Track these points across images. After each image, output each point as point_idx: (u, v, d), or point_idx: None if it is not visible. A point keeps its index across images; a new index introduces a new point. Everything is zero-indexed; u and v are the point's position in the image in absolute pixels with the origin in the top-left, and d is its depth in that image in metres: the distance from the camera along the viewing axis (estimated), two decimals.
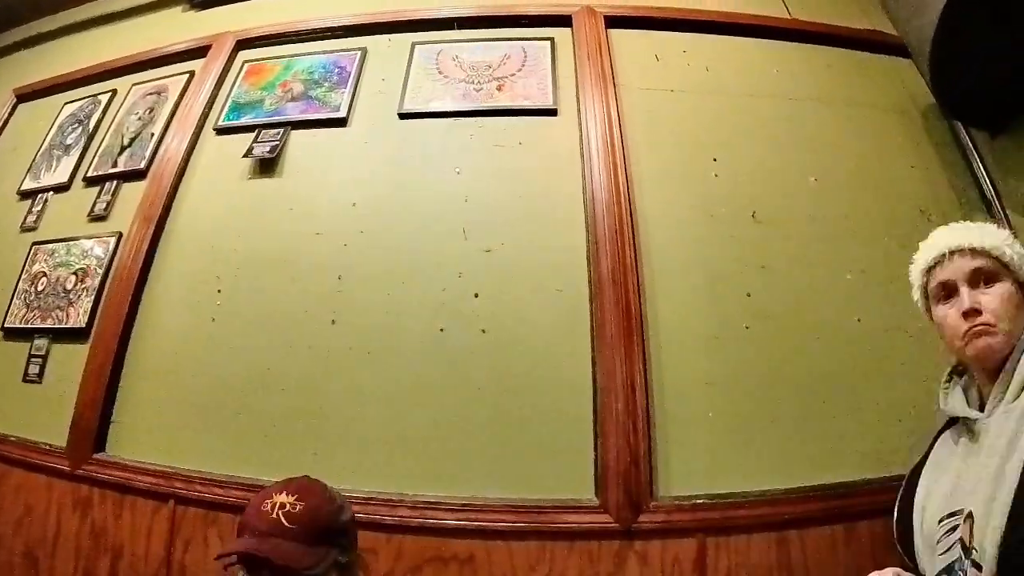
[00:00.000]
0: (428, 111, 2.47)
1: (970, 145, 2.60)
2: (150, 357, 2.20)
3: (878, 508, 1.78)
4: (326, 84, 2.62)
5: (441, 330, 2.04)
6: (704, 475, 1.86)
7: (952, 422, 1.31)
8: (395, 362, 2.02)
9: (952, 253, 1.27)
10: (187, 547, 1.88)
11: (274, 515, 1.21)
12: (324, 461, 1.91)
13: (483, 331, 2.04)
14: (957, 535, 1.11)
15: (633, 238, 2.13)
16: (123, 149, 2.68)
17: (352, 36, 2.80)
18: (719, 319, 2.09)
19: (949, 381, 1.37)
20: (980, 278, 1.24)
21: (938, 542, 1.15)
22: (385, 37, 2.77)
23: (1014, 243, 1.25)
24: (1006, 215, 2.40)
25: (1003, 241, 1.25)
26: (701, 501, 1.80)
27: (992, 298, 1.21)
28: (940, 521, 1.17)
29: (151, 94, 2.86)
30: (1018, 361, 1.14)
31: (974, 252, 1.25)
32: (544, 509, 1.77)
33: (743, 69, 2.69)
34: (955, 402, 1.31)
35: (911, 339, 2.13)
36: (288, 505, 1.22)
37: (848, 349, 2.10)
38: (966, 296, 1.23)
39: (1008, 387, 1.14)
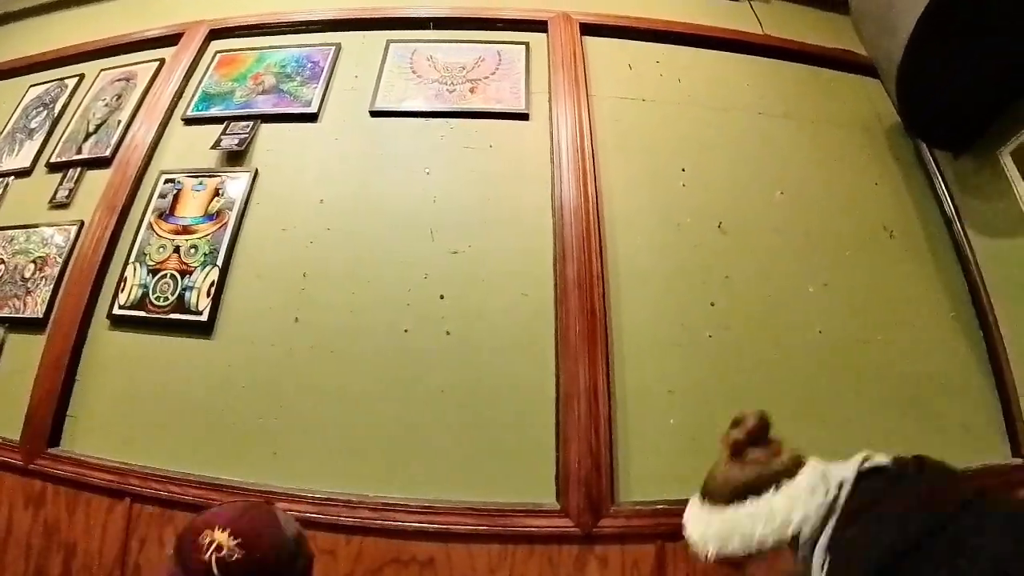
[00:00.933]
0: (400, 110, 2.46)
1: (933, 165, 2.67)
2: (108, 350, 2.14)
3: None
4: (298, 78, 2.59)
5: (405, 331, 2.03)
6: (664, 481, 1.87)
7: None
8: (358, 362, 2.00)
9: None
10: (142, 546, 1.83)
11: (206, 557, 1.04)
12: (284, 460, 1.88)
13: (448, 333, 2.03)
14: None
15: (600, 245, 2.15)
16: (88, 135, 2.62)
17: (327, 31, 2.78)
18: (683, 327, 2.11)
19: None
20: (729, 565, 1.21)
21: None
22: (360, 34, 2.75)
23: (735, 528, 1.17)
24: (966, 234, 2.48)
25: (721, 541, 1.19)
26: (661, 507, 1.81)
27: None
28: None
29: (120, 80, 2.81)
30: None
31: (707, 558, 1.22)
32: (505, 512, 1.77)
33: (715, 82, 2.73)
34: None
35: (872, 352, 2.19)
36: (226, 550, 1.05)
37: (809, 360, 2.14)
38: None
39: None
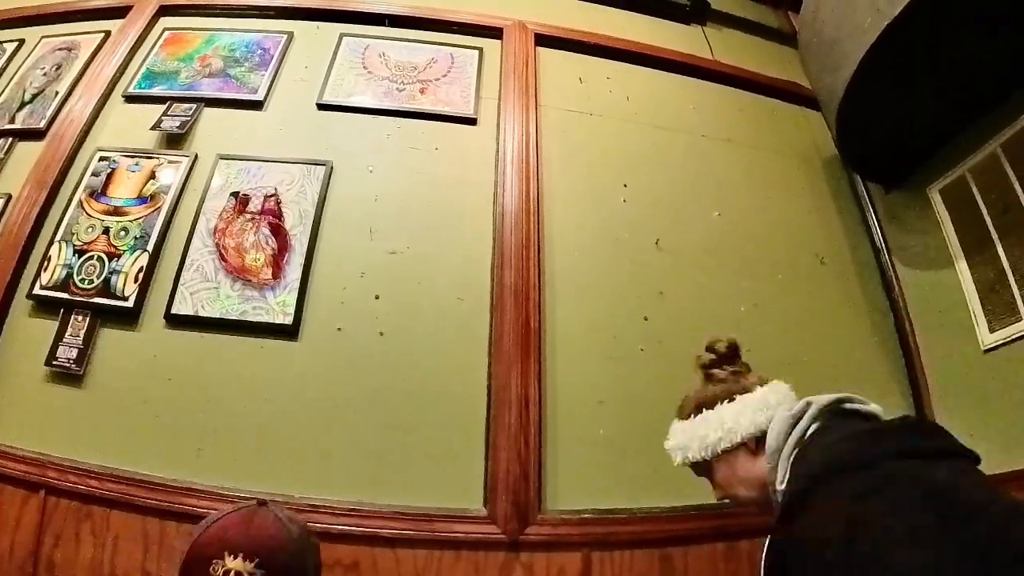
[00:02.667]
0: (348, 105, 2.44)
1: (866, 197, 2.78)
2: (28, 333, 2.00)
3: (758, 528, 1.89)
4: (247, 64, 2.54)
5: (338, 329, 2.00)
6: (592, 491, 1.89)
7: None
8: (288, 358, 1.95)
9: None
10: (57, 542, 1.70)
11: None
12: (208, 457, 1.81)
13: (381, 334, 2.01)
14: None
15: (538, 254, 2.17)
16: (23, 104, 2.51)
17: (281, 18, 2.74)
18: (615, 340, 2.15)
19: None
20: (703, 474, 1.33)
21: None
22: (314, 24, 2.72)
23: (693, 436, 1.28)
24: (892, 265, 2.58)
25: (684, 449, 1.30)
26: (587, 516, 1.83)
27: (719, 488, 1.30)
28: None
29: (61, 49, 2.70)
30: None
31: (684, 465, 1.33)
32: (433, 517, 1.75)
33: (662, 102, 2.79)
34: None
35: (798, 371, 2.23)
36: (247, 575, 0.99)
37: None
38: (712, 492, 1.33)
39: None
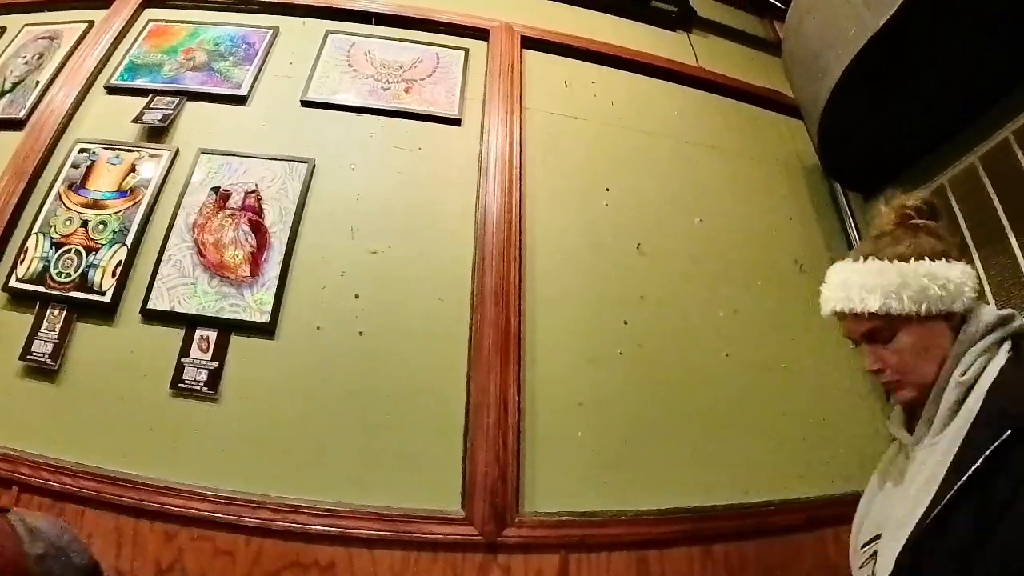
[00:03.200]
0: (332, 102, 2.43)
1: (845, 205, 2.82)
2: (3, 325, 1.96)
3: (734, 531, 1.93)
4: (231, 58, 2.52)
5: (318, 328, 1.99)
6: (569, 493, 1.90)
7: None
8: (266, 356, 1.93)
9: (842, 314, 1.22)
10: None
11: None
12: (183, 454, 1.79)
13: (360, 333, 2.00)
14: (872, 561, 1.12)
15: (520, 256, 2.17)
16: (3, 94, 2.47)
17: (267, 13, 2.71)
18: (595, 343, 2.15)
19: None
20: (877, 337, 1.18)
21: (861, 567, 1.18)
22: (300, 20, 2.70)
23: (906, 283, 1.13)
24: None
25: (888, 294, 1.13)
26: (565, 518, 1.83)
27: (891, 354, 1.16)
28: (863, 546, 1.19)
29: (44, 38, 2.68)
30: (940, 398, 1.09)
31: (860, 316, 1.18)
32: (410, 518, 1.74)
33: (646, 107, 2.81)
34: (895, 421, 1.27)
35: (775, 377, 2.29)
36: None
37: (715, 382, 2.22)
38: (867, 356, 1.21)
39: (932, 422, 1.10)
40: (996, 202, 2.20)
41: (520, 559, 1.74)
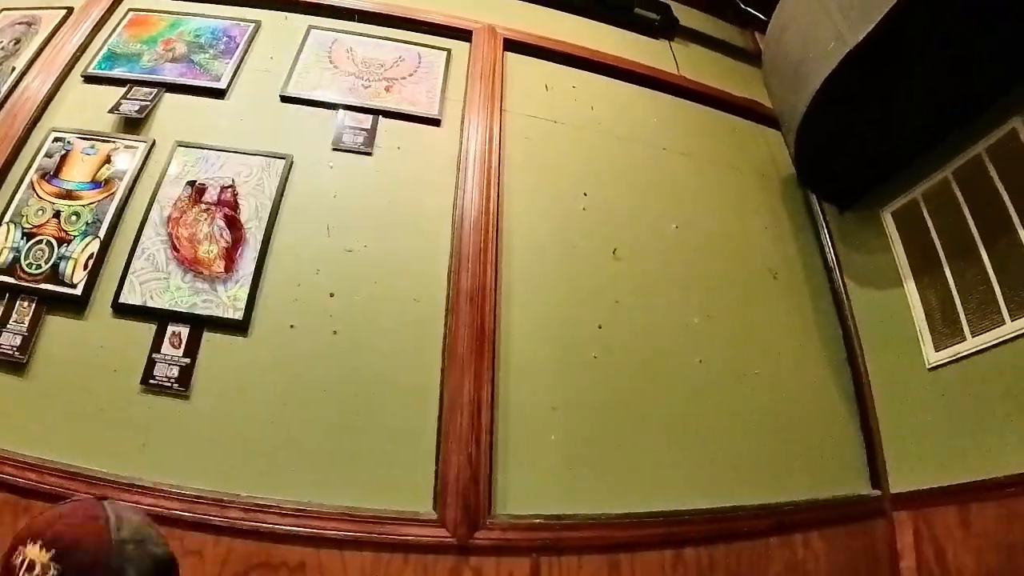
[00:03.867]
0: (312, 98, 2.41)
1: (820, 216, 2.86)
2: None
3: (705, 535, 1.95)
4: (211, 51, 2.50)
5: (291, 327, 1.97)
6: (542, 496, 1.90)
7: None
8: (239, 354, 1.91)
9: None
10: None
11: None
12: (153, 452, 1.75)
13: (335, 332, 1.99)
14: None
15: (496, 258, 2.17)
16: None
17: (249, 7, 2.68)
18: (569, 347, 2.16)
19: None
20: None
21: None
22: (283, 14, 2.68)
23: None
24: (844, 283, 2.68)
25: None
26: (537, 521, 1.83)
27: None
28: None
29: (21, 24, 2.63)
30: None
31: None
32: (382, 519, 1.73)
33: (625, 113, 2.83)
34: None
35: (748, 384, 2.32)
36: (39, 567, 0.86)
37: (688, 387, 2.24)
38: None
39: None
40: (968, 216, 2.23)
41: (492, 562, 1.74)
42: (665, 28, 3.35)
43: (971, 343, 2.14)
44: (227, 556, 1.63)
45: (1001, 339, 2.05)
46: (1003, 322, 2.05)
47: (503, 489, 1.88)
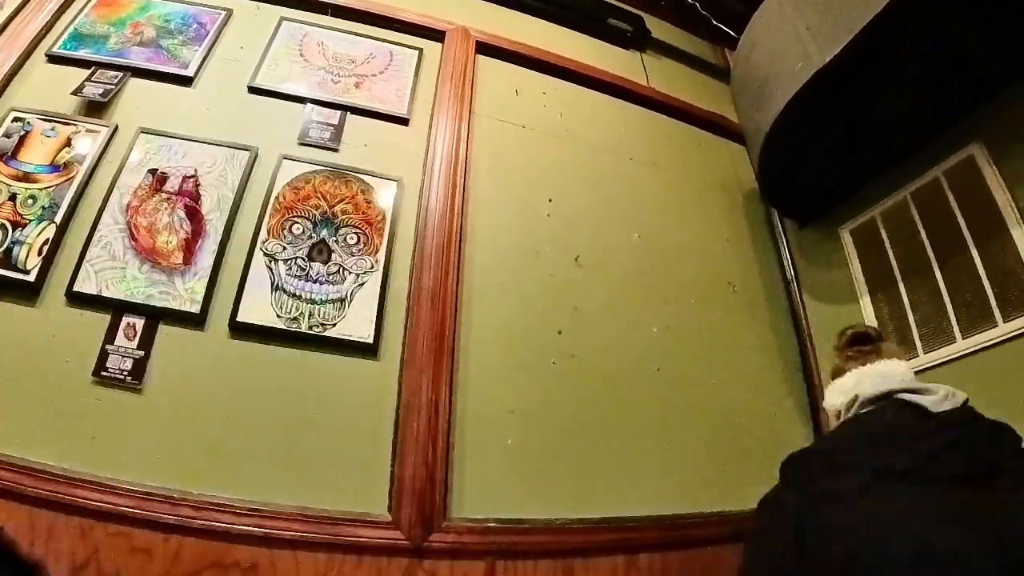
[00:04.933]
0: (280, 91, 2.39)
1: (781, 231, 2.93)
2: None
3: (659, 542, 1.97)
4: (180, 36, 2.45)
5: None
6: (497, 500, 1.90)
7: None
8: (194, 348, 1.87)
9: None
10: None
11: None
12: (103, 446, 1.69)
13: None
14: None
15: (458, 260, 2.17)
16: None
17: None
18: (529, 352, 2.17)
19: None
20: None
21: None
22: (255, 4, 2.64)
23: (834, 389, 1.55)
24: (801, 298, 2.73)
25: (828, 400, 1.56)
26: (492, 525, 1.83)
27: None
28: None
29: None
30: None
31: None
32: (336, 521, 1.71)
33: (593, 122, 2.86)
34: None
35: (705, 393, 2.36)
36: None
37: (645, 395, 2.27)
38: None
39: None
40: (924, 236, 2.30)
41: (446, 565, 1.73)
42: (637, 40, 3.40)
43: (923, 359, 2.21)
44: (177, 555, 1.58)
45: (952, 356, 2.13)
46: (955, 340, 2.13)
47: (459, 492, 1.88)
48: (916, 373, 2.18)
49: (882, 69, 2.16)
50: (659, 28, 3.56)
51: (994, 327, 2.04)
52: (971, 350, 2.08)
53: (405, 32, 2.73)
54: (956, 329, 2.14)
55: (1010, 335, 2.00)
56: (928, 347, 2.20)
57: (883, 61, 2.13)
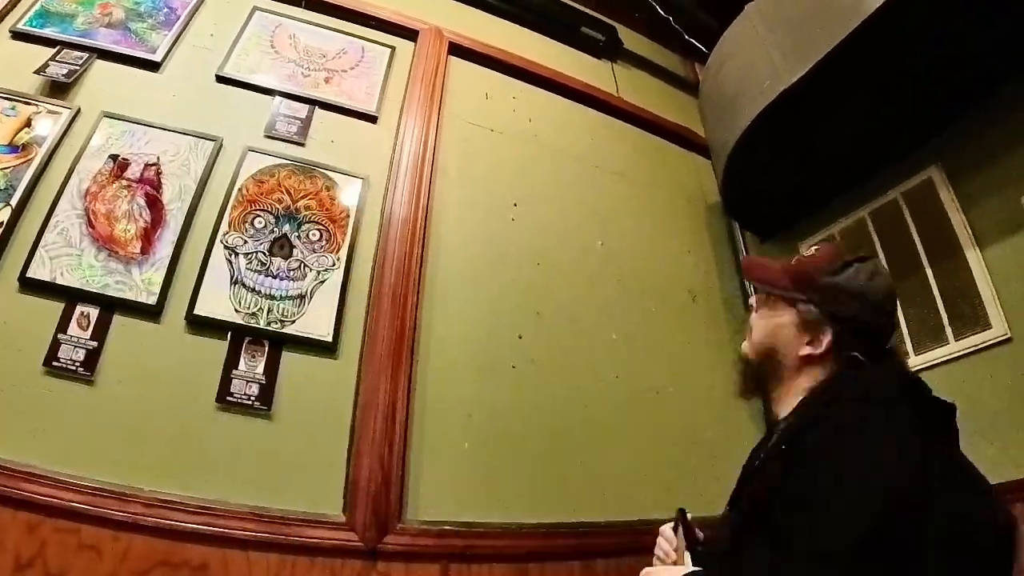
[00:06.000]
0: (248, 81, 2.35)
1: (741, 244, 2.99)
2: None
3: (615, 548, 1.98)
4: (150, 20, 2.39)
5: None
6: (454, 503, 1.90)
7: None
8: (149, 341, 1.82)
9: None
10: None
11: None
12: (52, 439, 1.63)
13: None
14: None
15: (421, 261, 2.16)
16: None
17: None
18: (489, 355, 2.18)
19: None
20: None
21: None
22: None
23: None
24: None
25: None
26: (448, 527, 1.83)
27: None
28: None
29: None
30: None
31: None
32: (289, 521, 1.68)
33: (562, 128, 2.88)
34: None
35: (662, 400, 2.39)
36: None
37: (603, 401, 2.29)
38: None
39: None
40: (881, 255, 2.40)
41: (401, 567, 1.72)
42: (609, 50, 3.44)
43: None
44: (127, 553, 1.54)
45: None
46: (907, 355, 2.21)
47: (415, 494, 1.87)
48: None
49: (848, 91, 2.23)
50: (631, 39, 3.61)
51: (946, 344, 2.11)
52: (923, 366, 2.17)
53: (378, 29, 2.72)
54: (909, 345, 2.21)
55: (961, 353, 2.07)
56: None
57: (849, 83, 2.19)
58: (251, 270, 2.01)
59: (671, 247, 2.82)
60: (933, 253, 2.24)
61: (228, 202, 2.09)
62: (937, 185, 2.28)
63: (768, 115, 2.29)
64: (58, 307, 1.78)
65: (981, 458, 1.91)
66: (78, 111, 2.12)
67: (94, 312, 1.81)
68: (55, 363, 1.72)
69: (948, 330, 2.13)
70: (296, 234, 2.11)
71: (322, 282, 2.06)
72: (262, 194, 2.15)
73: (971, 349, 2.06)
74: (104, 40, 2.31)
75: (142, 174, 2.06)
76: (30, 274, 1.80)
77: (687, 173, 3.15)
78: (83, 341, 1.77)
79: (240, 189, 2.13)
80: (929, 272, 2.22)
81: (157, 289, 1.88)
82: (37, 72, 2.14)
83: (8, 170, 1.96)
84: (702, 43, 3.42)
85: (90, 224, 1.93)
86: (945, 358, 2.12)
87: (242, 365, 1.88)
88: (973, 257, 2.11)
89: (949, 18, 1.98)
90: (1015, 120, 2.13)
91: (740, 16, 2.55)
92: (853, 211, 2.57)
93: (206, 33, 2.45)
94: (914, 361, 2.19)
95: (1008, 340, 1.98)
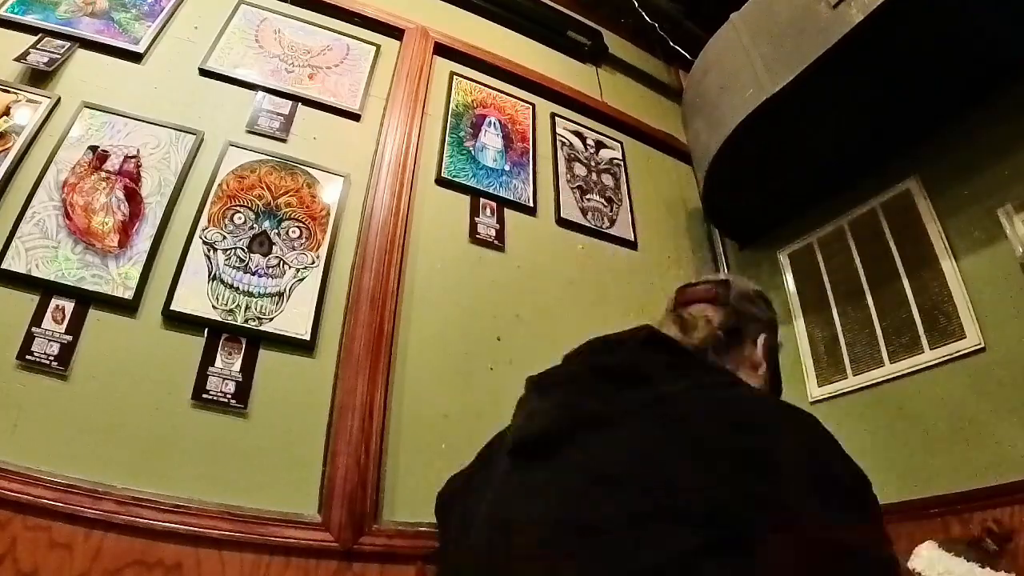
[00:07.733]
0: (231, 76, 2.34)
1: (721, 251, 3.01)
2: None
3: None
4: (134, 10, 2.37)
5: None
6: (430, 504, 1.81)
7: None
8: (125, 336, 1.79)
9: None
10: None
11: None
12: (24, 434, 1.59)
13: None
14: None
15: (401, 260, 2.16)
16: None
17: None
18: (466, 356, 2.18)
19: None
20: None
21: None
22: None
23: None
24: None
25: None
26: (424, 529, 1.80)
27: None
28: None
29: None
30: None
31: None
32: (264, 520, 1.66)
33: (544, 131, 2.87)
34: None
35: None
36: None
37: None
38: None
39: None
40: (858, 264, 2.43)
41: (376, 568, 1.71)
42: (594, 54, 3.45)
43: (851, 381, 2.34)
44: (99, 551, 1.51)
45: (880, 379, 2.25)
46: (883, 364, 2.24)
47: (391, 495, 1.86)
48: (844, 395, 2.31)
49: (829, 102, 2.25)
50: (616, 44, 3.62)
51: (921, 353, 2.14)
52: (898, 374, 2.21)
53: (364, 27, 2.71)
54: (885, 354, 2.25)
55: (936, 362, 2.10)
56: (857, 370, 2.33)
57: (830, 94, 2.22)
58: (230, 266, 2.00)
59: (651, 252, 2.83)
60: (910, 263, 2.27)
61: (208, 197, 2.07)
62: (915, 196, 2.31)
63: (750, 124, 2.31)
64: (33, 300, 1.75)
65: (951, 463, 1.98)
66: (58, 100, 2.08)
67: (69, 305, 1.78)
68: (28, 356, 1.68)
69: (923, 340, 2.15)
70: (276, 231, 2.10)
71: (301, 280, 2.05)
72: (242, 190, 2.13)
73: (946, 358, 2.09)
74: (87, 29, 2.28)
75: (121, 166, 2.03)
76: (5, 265, 1.77)
77: (669, 179, 3.17)
78: (58, 335, 1.74)
79: (220, 184, 2.11)
80: (906, 282, 2.26)
81: (134, 283, 1.85)
82: (17, 60, 2.10)
83: None
84: (686, 50, 3.43)
85: (67, 216, 1.90)
86: (919, 367, 2.15)
87: (219, 362, 1.86)
88: (949, 268, 2.14)
89: (929, 33, 2.02)
90: (993, 134, 2.17)
91: (724, 25, 2.57)
92: (832, 220, 2.60)
93: (190, 26, 2.42)
94: (888, 369, 2.22)
95: (981, 350, 2.01)
